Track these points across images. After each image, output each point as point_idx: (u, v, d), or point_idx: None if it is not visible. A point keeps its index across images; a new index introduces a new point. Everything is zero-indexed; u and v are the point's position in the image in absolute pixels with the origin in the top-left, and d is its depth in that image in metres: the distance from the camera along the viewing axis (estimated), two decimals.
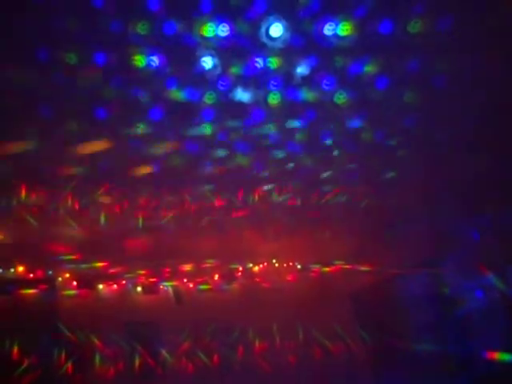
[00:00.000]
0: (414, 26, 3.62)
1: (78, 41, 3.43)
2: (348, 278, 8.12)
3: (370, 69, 4.00)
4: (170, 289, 7.91)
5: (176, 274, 7.94)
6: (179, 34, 3.55)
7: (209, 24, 3.56)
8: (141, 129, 4.44)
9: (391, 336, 7.67)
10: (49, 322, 6.76)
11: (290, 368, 7.66)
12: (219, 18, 3.55)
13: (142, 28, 3.45)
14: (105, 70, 3.67)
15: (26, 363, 6.39)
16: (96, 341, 6.98)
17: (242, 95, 4.20)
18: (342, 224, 7.25)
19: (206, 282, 8.21)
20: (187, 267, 7.84)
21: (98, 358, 6.98)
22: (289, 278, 8.62)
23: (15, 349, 6.44)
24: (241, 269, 8.77)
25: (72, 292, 7.21)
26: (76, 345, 6.88)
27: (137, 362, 7.18)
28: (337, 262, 8.49)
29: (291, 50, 3.84)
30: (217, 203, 6.36)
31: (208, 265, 7.93)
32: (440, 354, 7.24)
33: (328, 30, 3.64)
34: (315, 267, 8.74)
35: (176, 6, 3.43)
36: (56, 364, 6.64)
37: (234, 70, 3.95)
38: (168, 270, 7.83)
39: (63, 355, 6.74)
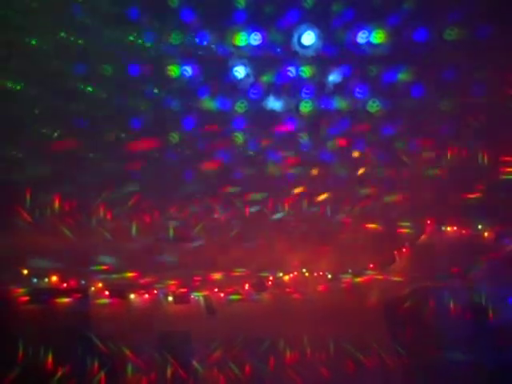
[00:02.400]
0: (450, 34, 3.56)
1: (113, 53, 3.47)
2: (381, 289, 7.98)
3: (404, 76, 3.95)
4: (201, 299, 7.89)
5: (206, 284, 7.93)
6: (212, 43, 3.57)
7: (241, 33, 3.56)
8: (173, 138, 4.47)
9: (426, 348, 7.52)
10: (82, 332, 6.81)
11: (322, 381, 7.56)
12: (251, 28, 3.56)
13: (175, 39, 3.48)
14: (139, 80, 3.71)
15: (60, 372, 6.44)
16: (128, 350, 7.00)
17: (274, 104, 4.19)
18: (374, 233, 7.16)
19: (236, 292, 8.16)
20: (217, 276, 7.83)
21: (130, 368, 6.99)
22: (320, 288, 8.51)
23: (49, 358, 6.49)
24: (271, 278, 8.71)
25: (104, 301, 7.25)
26: (108, 354, 6.90)
27: (168, 373, 7.16)
28: (369, 272, 8.36)
29: (323, 58, 3.83)
30: (247, 212, 6.36)
31: (238, 274, 7.90)
32: (475, 365, 7.06)
33: (361, 38, 3.61)
34: (346, 277, 8.62)
35: (209, 17, 3.45)
36: (89, 373, 6.68)
37: (266, 79, 3.94)
38: (198, 279, 7.83)
39: (96, 365, 6.77)
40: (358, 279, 8.46)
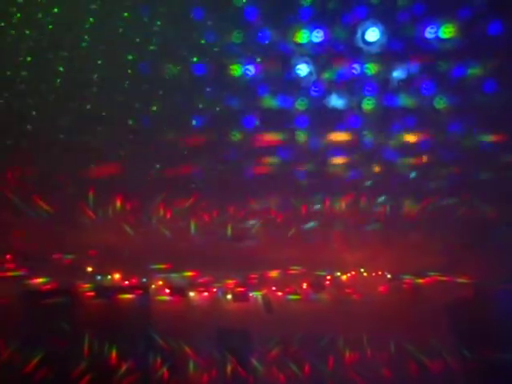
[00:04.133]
0: None
1: (178, 53, 3.48)
2: (444, 291, 7.73)
3: (474, 72, 3.78)
4: (260, 297, 7.91)
5: (264, 282, 7.92)
6: (274, 41, 3.52)
7: (303, 30, 3.51)
8: (235, 137, 4.45)
9: (491, 351, 7.25)
10: (143, 327, 6.96)
11: (384, 382, 7.41)
12: (314, 25, 3.49)
13: (237, 37, 3.46)
14: (202, 79, 3.71)
15: (123, 367, 6.62)
16: (188, 347, 7.10)
17: (337, 101, 4.11)
18: (437, 232, 6.94)
19: (295, 292, 8.10)
20: (273, 274, 7.79)
21: (190, 365, 7.10)
22: (380, 289, 8.33)
23: (113, 352, 6.67)
24: (329, 277, 8.61)
25: (165, 299, 7.39)
26: (169, 350, 7.03)
27: (228, 370, 7.23)
28: (431, 273, 8.12)
29: (388, 55, 3.71)
30: (303, 210, 6.30)
31: (294, 272, 7.83)
32: None
33: (429, 32, 3.48)
34: (407, 278, 8.40)
35: (270, 14, 3.41)
36: (151, 369, 6.83)
37: (328, 76, 3.87)
38: (255, 276, 7.83)
39: (158, 360, 6.91)
40: (420, 280, 8.24)
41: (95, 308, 6.76)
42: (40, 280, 6.51)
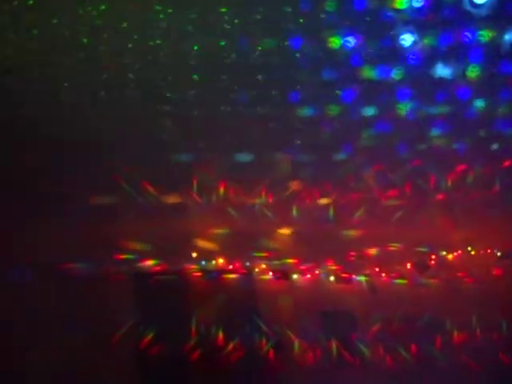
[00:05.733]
0: None
1: (272, 27, 3.46)
2: None
3: None
4: (363, 279, 7.80)
5: (363, 260, 7.77)
6: (370, 9, 3.40)
7: None
8: (332, 111, 4.38)
9: None
10: (248, 307, 7.14)
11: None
12: None
13: (330, 6, 3.35)
14: (300, 53, 3.67)
15: (229, 346, 6.83)
16: (292, 328, 7.18)
17: (442, 71, 3.92)
18: None
19: (401, 276, 7.85)
20: (372, 251, 7.61)
21: (294, 345, 7.18)
22: (495, 271, 7.82)
23: (220, 330, 6.90)
24: (433, 257, 8.28)
25: (268, 280, 7.51)
26: (273, 330, 7.16)
27: (332, 351, 7.23)
28: None
29: (499, 18, 3.48)
30: (406, 188, 6.12)
31: (393, 249, 7.61)
32: None
33: None
34: None
35: None
36: (257, 347, 6.99)
37: (433, 44, 3.69)
38: (353, 254, 7.69)
39: (262, 339, 7.06)
40: None
41: (202, 288, 7.02)
42: (150, 262, 6.85)
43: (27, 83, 3.90)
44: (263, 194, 6.17)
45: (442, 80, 3.98)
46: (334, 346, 7.16)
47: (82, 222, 5.74)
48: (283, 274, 7.42)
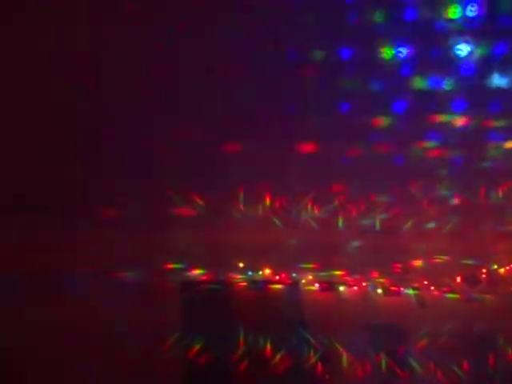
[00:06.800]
0: None
1: (324, 37, 3.44)
2: None
3: None
4: (412, 291, 7.66)
5: (408, 272, 7.61)
6: (423, 19, 3.36)
7: (455, 5, 3.31)
8: (384, 122, 4.33)
9: None
10: (294, 317, 7.12)
11: None
12: None
13: (379, 17, 3.33)
14: (350, 64, 3.64)
15: (277, 355, 6.82)
16: (339, 340, 7.12)
17: (498, 80, 3.84)
18: None
19: (452, 290, 7.64)
20: (417, 263, 7.45)
21: (342, 356, 7.11)
22: None
23: (266, 340, 6.90)
24: (484, 271, 8.05)
25: (314, 291, 7.48)
26: (320, 342, 7.11)
27: (382, 366, 7.12)
28: None
29: None
30: (456, 199, 5.98)
31: (439, 261, 7.43)
32: None
33: None
34: None
35: None
36: (304, 360, 6.96)
37: (487, 54, 3.61)
38: (398, 266, 7.56)
39: (310, 351, 7.03)
40: None
41: (248, 297, 7.05)
42: (197, 272, 6.94)
43: None
44: (309, 205, 6.15)
45: (497, 90, 3.90)
46: (382, 359, 7.04)
47: (132, 231, 5.85)
48: (329, 286, 7.38)
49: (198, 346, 6.58)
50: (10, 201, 5.17)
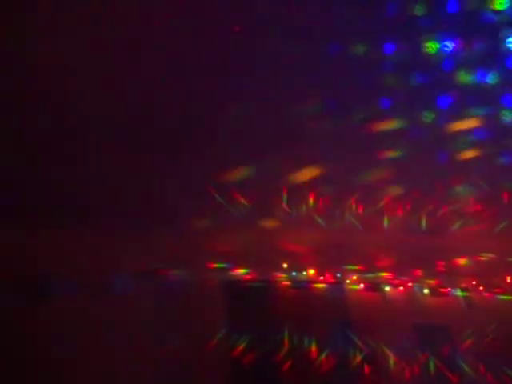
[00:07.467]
0: None
1: (366, 31, 3.40)
2: None
3: None
4: (461, 293, 7.47)
5: (453, 270, 7.42)
6: (467, 11, 3.28)
7: None
8: (427, 118, 4.25)
9: None
10: (339, 318, 7.07)
11: None
12: None
13: (419, 9, 3.26)
14: (393, 59, 3.59)
15: (322, 357, 6.78)
16: (386, 343, 7.01)
17: None
18: None
19: (506, 292, 7.37)
20: (462, 261, 7.25)
21: (391, 361, 6.99)
22: None
23: (311, 340, 6.88)
24: None
25: (359, 290, 7.40)
26: (366, 344, 7.04)
27: (430, 366, 6.97)
28: None
29: None
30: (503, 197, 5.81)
31: (484, 259, 7.20)
32: None
33: None
34: None
35: None
36: (349, 360, 6.89)
37: None
38: (442, 263, 7.37)
39: (355, 352, 6.96)
40: None
41: (292, 297, 7.05)
42: (241, 271, 6.98)
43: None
44: (354, 205, 6.09)
45: None
46: (430, 360, 6.90)
47: (175, 231, 5.93)
48: (374, 286, 7.30)
49: (242, 346, 6.60)
50: (59, 202, 5.31)
